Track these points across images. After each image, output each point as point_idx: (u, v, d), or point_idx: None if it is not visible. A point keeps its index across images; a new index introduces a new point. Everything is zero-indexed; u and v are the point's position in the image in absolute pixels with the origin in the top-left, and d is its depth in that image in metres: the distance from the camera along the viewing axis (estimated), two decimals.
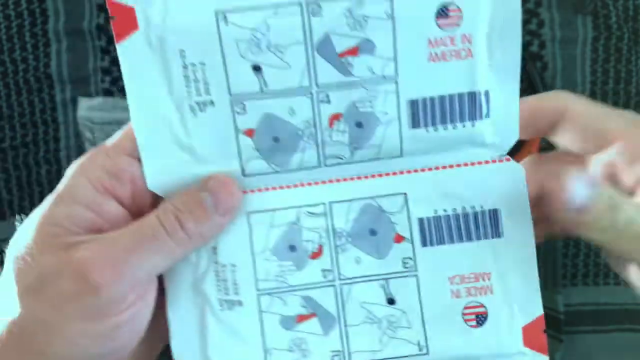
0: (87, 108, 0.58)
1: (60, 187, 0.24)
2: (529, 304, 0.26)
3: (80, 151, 0.59)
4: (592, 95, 0.57)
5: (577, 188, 0.23)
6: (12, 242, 0.23)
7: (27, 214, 0.59)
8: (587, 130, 0.25)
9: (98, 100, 0.58)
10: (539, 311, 0.27)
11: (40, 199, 0.61)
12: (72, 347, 0.21)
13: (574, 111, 0.26)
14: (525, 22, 0.57)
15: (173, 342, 0.26)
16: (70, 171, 0.24)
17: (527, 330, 0.26)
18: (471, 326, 0.26)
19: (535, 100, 0.27)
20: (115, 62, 0.59)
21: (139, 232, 0.22)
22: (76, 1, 0.58)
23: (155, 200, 0.26)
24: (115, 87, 0.58)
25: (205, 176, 0.25)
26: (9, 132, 0.58)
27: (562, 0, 0.56)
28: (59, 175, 0.62)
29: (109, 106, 0.58)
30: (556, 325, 0.58)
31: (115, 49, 0.60)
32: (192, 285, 0.25)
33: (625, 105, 0.57)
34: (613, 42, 0.56)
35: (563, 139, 0.26)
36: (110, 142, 0.25)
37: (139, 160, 0.25)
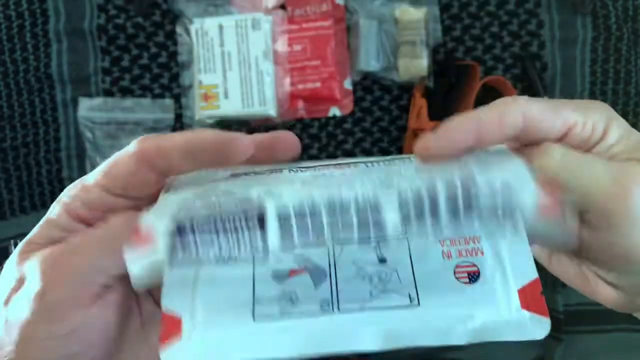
0: (88, 108, 0.58)
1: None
2: (522, 267, 0.26)
3: (80, 151, 0.59)
4: (592, 95, 0.57)
5: None
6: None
7: (27, 214, 0.60)
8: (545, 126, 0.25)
9: (98, 101, 0.58)
10: (534, 274, 0.26)
11: (41, 199, 0.62)
12: (36, 351, 0.22)
13: (531, 119, 0.26)
14: (525, 23, 0.57)
15: (164, 291, 0.25)
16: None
17: (524, 293, 0.26)
18: (464, 283, 0.26)
19: (492, 118, 0.26)
20: (115, 62, 0.59)
21: (88, 235, 0.23)
22: (77, 2, 0.58)
23: None
24: (115, 87, 0.59)
25: None
26: (9, 132, 0.58)
27: (562, 0, 0.56)
28: (59, 175, 0.63)
29: (109, 106, 0.58)
30: (556, 325, 0.58)
31: (115, 49, 0.61)
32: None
33: (625, 105, 0.57)
34: (612, 43, 0.56)
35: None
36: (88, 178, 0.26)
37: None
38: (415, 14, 0.55)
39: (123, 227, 0.23)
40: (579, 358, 0.59)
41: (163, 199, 0.25)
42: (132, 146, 0.25)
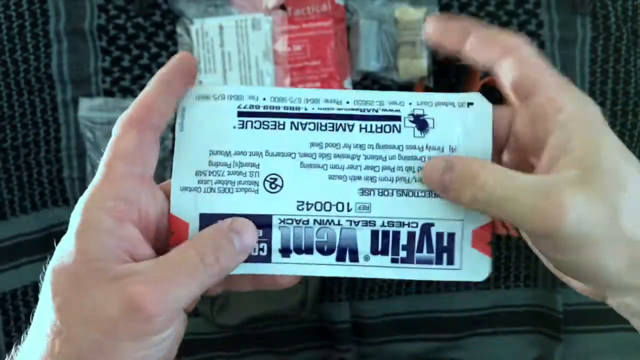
0: (88, 108, 0.58)
1: (76, 223, 0.26)
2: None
3: (81, 151, 0.59)
4: (591, 95, 0.57)
5: (436, 164, 0.27)
6: (52, 279, 0.25)
7: (27, 214, 0.60)
8: (523, 76, 0.27)
9: (99, 101, 0.58)
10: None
11: (41, 199, 0.62)
12: None
13: (522, 54, 0.27)
14: (525, 23, 0.57)
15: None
16: (80, 207, 0.26)
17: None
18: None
19: (490, 32, 0.28)
20: (115, 62, 0.59)
21: (181, 266, 0.25)
22: (77, 2, 0.58)
23: (159, 216, 0.29)
24: (115, 87, 0.59)
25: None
26: (10, 132, 0.58)
27: (561, 1, 0.56)
28: (59, 175, 0.63)
29: (110, 106, 0.58)
30: (555, 325, 0.58)
31: (115, 49, 0.61)
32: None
33: (625, 105, 0.57)
34: (612, 43, 0.57)
35: (500, 72, 0.28)
36: (101, 168, 0.27)
37: (135, 177, 0.27)
38: (415, 14, 0.55)
39: (196, 256, 0.26)
40: (578, 358, 0.59)
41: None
42: (119, 122, 0.27)
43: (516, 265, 0.58)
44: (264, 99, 0.30)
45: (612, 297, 0.26)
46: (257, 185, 0.30)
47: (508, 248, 0.59)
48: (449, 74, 0.55)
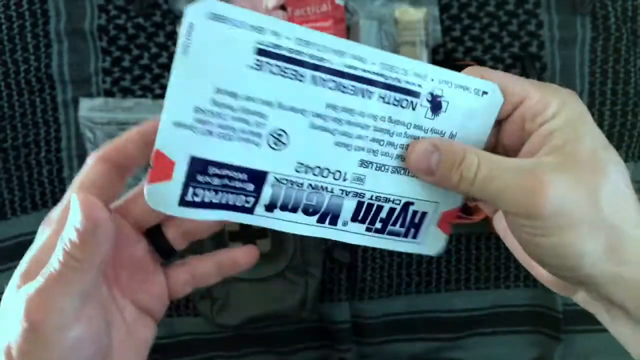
0: (88, 108, 0.58)
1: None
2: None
3: (81, 151, 0.59)
4: (591, 95, 0.57)
5: (419, 151, 0.28)
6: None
7: (28, 214, 0.60)
8: (513, 84, 0.28)
9: (99, 101, 0.58)
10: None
11: (42, 199, 0.62)
12: None
13: (503, 73, 0.28)
14: (525, 23, 0.57)
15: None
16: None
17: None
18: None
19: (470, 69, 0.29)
20: (116, 62, 0.60)
21: (47, 272, 0.25)
22: (77, 2, 0.58)
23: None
24: (116, 87, 0.59)
25: None
26: (10, 132, 0.58)
27: (561, 1, 0.57)
28: (60, 175, 0.63)
29: (110, 106, 0.58)
30: (555, 325, 0.58)
31: (116, 50, 0.61)
32: None
33: (624, 105, 0.57)
34: (612, 43, 0.57)
35: None
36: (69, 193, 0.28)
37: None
38: (415, 14, 0.55)
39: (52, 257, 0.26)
40: (578, 358, 0.59)
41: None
42: (92, 155, 0.27)
43: (516, 265, 0.59)
44: (289, 38, 0.26)
45: (581, 289, 0.27)
46: (260, 138, 0.27)
47: (508, 248, 0.59)
48: None
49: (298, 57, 0.26)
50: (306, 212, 0.29)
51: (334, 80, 0.27)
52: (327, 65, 0.27)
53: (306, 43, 0.26)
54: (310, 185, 0.29)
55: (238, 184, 0.28)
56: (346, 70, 0.27)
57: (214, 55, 0.26)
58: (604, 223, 0.24)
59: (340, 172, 0.29)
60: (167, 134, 0.26)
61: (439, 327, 0.60)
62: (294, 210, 0.29)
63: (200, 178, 0.27)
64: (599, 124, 0.57)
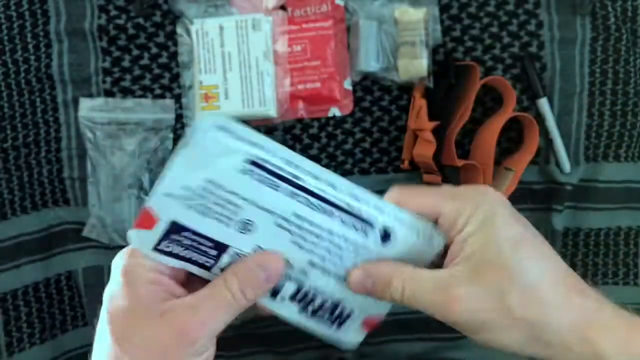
0: (89, 108, 0.58)
1: (120, 274, 0.33)
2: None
3: (81, 151, 0.59)
4: (591, 95, 0.57)
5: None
6: (109, 319, 0.31)
7: (28, 214, 0.60)
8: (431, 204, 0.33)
9: (99, 101, 0.58)
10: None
11: (42, 199, 0.62)
12: None
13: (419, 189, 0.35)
14: (525, 23, 0.57)
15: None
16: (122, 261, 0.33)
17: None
18: None
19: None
20: (116, 62, 0.60)
21: (214, 300, 0.31)
22: (77, 2, 0.58)
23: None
24: (116, 87, 0.59)
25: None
26: (10, 132, 0.58)
27: (561, 1, 0.57)
28: (60, 175, 0.63)
29: (110, 107, 0.58)
30: None
31: (116, 50, 0.61)
32: None
33: (624, 105, 0.57)
34: (611, 43, 0.57)
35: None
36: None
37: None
38: (414, 14, 0.55)
39: (227, 292, 0.32)
40: None
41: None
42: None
43: None
44: (278, 157, 0.32)
45: None
46: (231, 221, 0.33)
47: None
48: (449, 74, 0.55)
49: (281, 173, 0.32)
50: None
51: (306, 198, 0.33)
52: (303, 184, 0.33)
53: (291, 164, 0.32)
54: None
55: (203, 248, 0.33)
56: (318, 192, 0.33)
57: (212, 155, 0.31)
58: (518, 322, 0.28)
59: (289, 262, 0.34)
60: (157, 199, 0.32)
61: (438, 327, 0.59)
62: None
63: (174, 236, 0.33)
64: (599, 124, 0.57)
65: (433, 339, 0.61)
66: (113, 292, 0.32)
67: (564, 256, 0.60)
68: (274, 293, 0.35)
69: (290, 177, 0.32)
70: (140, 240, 0.33)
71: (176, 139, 0.59)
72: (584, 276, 0.60)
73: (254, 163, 0.32)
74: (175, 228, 0.33)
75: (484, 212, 0.30)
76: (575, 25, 0.57)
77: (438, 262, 0.33)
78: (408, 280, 0.31)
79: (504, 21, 0.57)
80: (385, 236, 0.34)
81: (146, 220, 0.33)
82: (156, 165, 0.58)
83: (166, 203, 0.32)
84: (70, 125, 0.59)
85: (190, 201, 0.32)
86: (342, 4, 0.58)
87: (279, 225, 0.33)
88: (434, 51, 0.57)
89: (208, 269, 0.34)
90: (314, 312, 0.36)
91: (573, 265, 0.60)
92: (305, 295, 0.35)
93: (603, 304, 0.30)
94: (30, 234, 0.59)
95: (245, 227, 0.33)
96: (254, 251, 0.33)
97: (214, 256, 0.34)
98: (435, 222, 0.32)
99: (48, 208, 0.60)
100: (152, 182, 0.58)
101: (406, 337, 0.60)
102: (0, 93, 0.58)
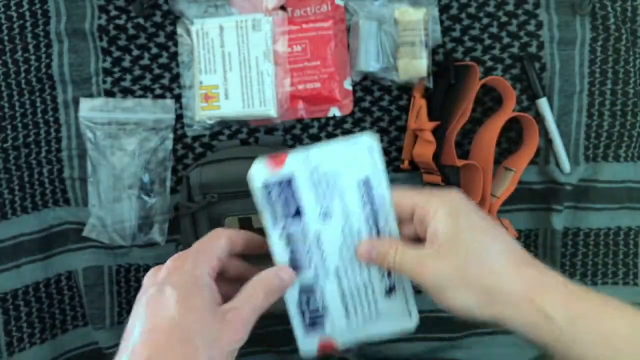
0: (89, 108, 0.58)
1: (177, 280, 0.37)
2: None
3: (81, 151, 0.59)
4: (591, 95, 0.57)
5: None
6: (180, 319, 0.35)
7: (29, 213, 0.60)
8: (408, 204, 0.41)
9: (99, 101, 0.58)
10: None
11: (42, 199, 0.62)
12: None
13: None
14: (524, 23, 0.57)
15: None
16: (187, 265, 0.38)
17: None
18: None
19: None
20: (116, 62, 0.60)
21: (250, 303, 0.38)
22: (78, 2, 0.58)
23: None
24: (116, 87, 0.59)
25: None
26: (10, 132, 0.58)
27: (561, 1, 0.57)
28: (60, 175, 0.63)
29: (110, 106, 0.58)
30: None
31: (116, 50, 0.61)
32: None
33: (624, 105, 0.57)
34: (611, 43, 0.57)
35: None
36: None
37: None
38: (414, 14, 0.55)
39: (256, 297, 0.39)
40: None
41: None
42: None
43: None
44: (384, 188, 0.41)
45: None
46: (324, 201, 0.41)
47: None
48: (449, 74, 0.55)
49: (375, 204, 0.41)
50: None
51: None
52: (382, 228, 0.42)
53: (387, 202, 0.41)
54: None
55: (290, 209, 0.40)
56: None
57: (354, 160, 0.41)
58: (474, 286, 0.36)
59: (326, 261, 0.42)
60: (297, 154, 0.40)
61: (438, 327, 0.60)
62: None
63: (280, 186, 0.40)
64: (599, 124, 0.57)
65: (434, 339, 0.61)
66: (186, 292, 0.37)
67: (563, 256, 0.60)
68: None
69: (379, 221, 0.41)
70: (259, 172, 0.39)
71: (176, 139, 0.59)
72: (584, 276, 0.61)
73: (365, 182, 0.40)
74: (288, 182, 0.39)
75: (450, 206, 0.38)
76: (575, 25, 0.57)
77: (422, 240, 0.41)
78: (399, 253, 0.39)
79: (503, 21, 0.57)
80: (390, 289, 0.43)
81: (279, 161, 0.39)
82: (156, 165, 0.58)
83: (299, 161, 0.39)
84: (71, 125, 0.59)
85: (313, 174, 0.39)
86: (342, 4, 0.58)
87: (342, 231, 0.41)
88: (433, 51, 0.57)
89: (275, 224, 0.40)
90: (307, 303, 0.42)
91: (573, 265, 0.60)
92: (313, 291, 0.42)
93: (548, 273, 0.37)
94: (31, 234, 0.59)
95: (326, 215, 0.40)
96: (313, 235, 0.40)
97: (284, 222, 0.40)
98: (412, 213, 0.40)
99: (48, 208, 0.60)
100: (152, 182, 0.58)
101: (407, 336, 0.60)
102: (1, 93, 0.58)
